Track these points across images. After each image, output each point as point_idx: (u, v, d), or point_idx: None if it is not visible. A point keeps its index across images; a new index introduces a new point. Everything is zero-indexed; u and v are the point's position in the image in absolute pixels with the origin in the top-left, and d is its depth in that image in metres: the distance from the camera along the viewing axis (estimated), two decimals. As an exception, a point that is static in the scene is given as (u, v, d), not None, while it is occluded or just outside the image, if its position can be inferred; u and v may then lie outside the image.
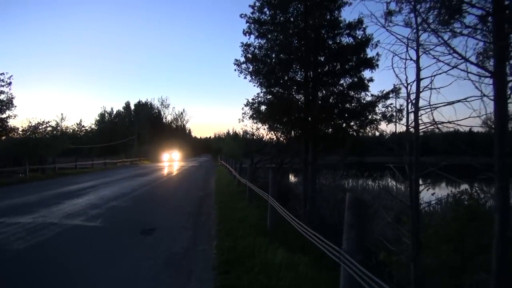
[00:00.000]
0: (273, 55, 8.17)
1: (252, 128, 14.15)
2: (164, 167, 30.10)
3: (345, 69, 7.85)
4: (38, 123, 22.32)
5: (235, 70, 8.37)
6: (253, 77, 8.10)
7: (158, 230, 6.32)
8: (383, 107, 7.32)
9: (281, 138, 13.10)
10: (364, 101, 7.82)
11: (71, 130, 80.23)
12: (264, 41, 8.19)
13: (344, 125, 7.71)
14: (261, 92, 8.32)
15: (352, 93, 7.73)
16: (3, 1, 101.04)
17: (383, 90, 7.60)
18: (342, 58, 7.67)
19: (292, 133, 8.71)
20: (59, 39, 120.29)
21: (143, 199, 10.39)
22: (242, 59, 8.11)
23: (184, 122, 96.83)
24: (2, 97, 17.08)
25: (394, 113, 7.54)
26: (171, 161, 47.97)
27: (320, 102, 7.69)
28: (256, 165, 13.25)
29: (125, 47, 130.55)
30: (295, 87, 8.35)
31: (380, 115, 7.76)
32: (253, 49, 8.00)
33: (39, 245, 5.21)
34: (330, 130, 7.98)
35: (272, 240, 5.65)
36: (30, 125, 22.01)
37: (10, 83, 16.74)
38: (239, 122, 14.42)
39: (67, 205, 8.61)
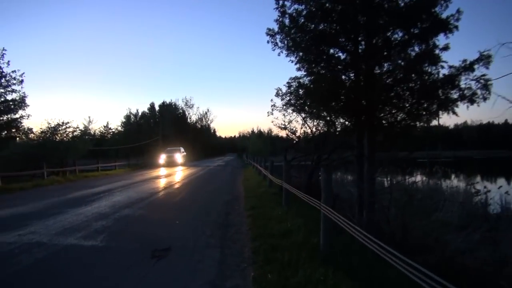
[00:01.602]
0: (314, 24, 6.39)
1: (284, 121, 12.42)
2: (186, 168, 28.85)
3: (412, 35, 5.97)
4: (58, 124, 21.46)
5: (268, 42, 6.65)
6: (292, 50, 6.37)
7: (174, 251, 4.74)
8: (472, 80, 5.41)
9: (323, 129, 11.31)
10: (437, 76, 5.91)
11: (98, 133, 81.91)
12: (303, 6, 6.44)
13: (415, 108, 5.81)
14: (302, 70, 6.57)
15: (422, 66, 5.84)
16: (29, 4, 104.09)
17: (465, 60, 5.70)
18: (406, 20, 5.83)
19: (340, 121, 6.92)
20: (85, 42, 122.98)
21: (162, 204, 8.90)
22: (277, 28, 6.41)
23: (209, 122, 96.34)
24: (14, 96, 16.20)
25: (479, 91, 5.63)
26: (172, 164, 30.48)
27: (383, 78, 5.85)
28: (290, 163, 11.53)
29: (149, 49, 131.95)
30: (343, 64, 6.55)
31: (458, 93, 5.85)
32: (289, 14, 6.28)
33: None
34: (395, 115, 6.12)
35: (328, 266, 3.96)
36: (49, 126, 21.20)
37: (22, 81, 15.83)
38: (268, 115, 12.63)
39: (69, 215, 7.18)
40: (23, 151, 19.46)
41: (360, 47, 6.59)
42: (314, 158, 11.78)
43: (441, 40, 6.19)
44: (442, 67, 5.96)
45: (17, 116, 16.18)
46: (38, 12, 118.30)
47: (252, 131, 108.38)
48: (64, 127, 21.79)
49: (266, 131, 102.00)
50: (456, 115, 6.03)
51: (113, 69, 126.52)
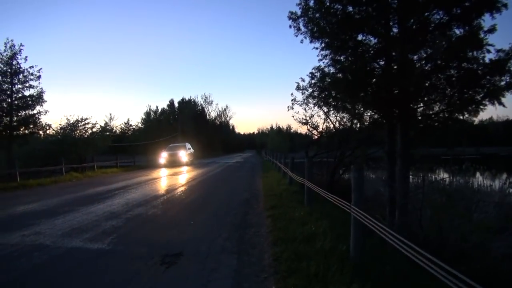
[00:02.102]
0: (341, 5, 5.77)
1: (305, 116, 11.82)
2: (206, 164, 28.55)
3: (453, 16, 5.27)
4: (77, 120, 21.51)
5: (290, 26, 6.08)
6: (316, 36, 5.77)
7: (186, 257, 4.27)
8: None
9: (346, 124, 10.68)
10: (483, 62, 5.20)
11: (119, 129, 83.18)
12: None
13: (457, 98, 5.11)
14: (327, 58, 5.97)
15: (466, 51, 5.14)
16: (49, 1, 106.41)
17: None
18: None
19: (369, 114, 6.28)
20: (107, 40, 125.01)
21: (177, 203, 8.48)
22: (300, 11, 5.82)
23: (228, 118, 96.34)
24: (32, 91, 16.15)
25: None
26: (175, 164, 24.97)
27: (421, 65, 5.18)
28: (312, 160, 10.94)
29: (169, 46, 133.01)
30: (373, 50, 5.92)
31: (506, 81, 5.13)
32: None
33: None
34: (433, 106, 5.45)
35: (361, 280, 3.40)
36: (68, 122, 21.27)
37: (39, 77, 15.80)
38: (288, 110, 12.08)
39: (79, 214, 6.85)
40: (43, 147, 19.59)
41: (391, 33, 5.95)
42: (337, 155, 11.16)
43: (486, 21, 5.48)
44: (488, 51, 5.25)
45: (34, 112, 16.15)
46: (58, 9, 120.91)
47: (271, 128, 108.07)
48: (83, 123, 21.85)
49: (285, 128, 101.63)
50: (503, 105, 5.31)
51: (133, 67, 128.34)
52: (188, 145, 29.80)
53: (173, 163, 24.87)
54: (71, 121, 21.41)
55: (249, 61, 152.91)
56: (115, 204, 7.99)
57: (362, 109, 6.27)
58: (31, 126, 16.04)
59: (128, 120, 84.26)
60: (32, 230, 5.50)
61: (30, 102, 15.73)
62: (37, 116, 16.19)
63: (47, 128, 17.15)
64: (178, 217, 6.75)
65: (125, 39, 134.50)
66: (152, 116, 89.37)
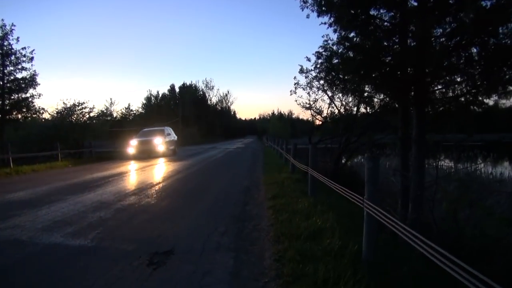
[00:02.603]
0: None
1: (309, 100, 11.23)
2: (207, 149, 28.06)
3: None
4: (74, 104, 20.92)
5: (299, -1, 5.46)
6: (324, 10, 5.16)
7: (177, 255, 3.79)
8: None
9: (352, 109, 10.12)
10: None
11: (120, 114, 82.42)
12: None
13: (484, 78, 4.52)
14: (336, 34, 5.37)
15: (496, 23, 4.54)
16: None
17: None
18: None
19: (380, 97, 5.71)
20: (105, 25, 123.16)
21: (172, 191, 8.00)
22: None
23: (229, 104, 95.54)
24: (24, 74, 15.43)
25: None
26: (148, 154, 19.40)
27: (443, 40, 4.58)
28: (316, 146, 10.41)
29: (169, 30, 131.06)
30: (388, 25, 5.30)
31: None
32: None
33: None
34: (453, 88, 4.87)
35: (376, 283, 2.93)
36: (65, 106, 20.69)
37: (32, 58, 15.10)
38: (291, 94, 11.50)
39: (66, 204, 6.37)
40: (39, 132, 19.09)
41: (409, 4, 5.33)
42: (342, 141, 10.62)
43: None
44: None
45: (27, 95, 15.49)
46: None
47: (273, 113, 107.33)
48: (80, 107, 21.28)
49: (286, 113, 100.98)
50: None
51: (134, 51, 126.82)
52: (169, 130, 23.21)
53: (146, 153, 19.35)
54: (68, 105, 20.84)
55: (251, 46, 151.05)
56: (106, 193, 7.52)
57: (373, 91, 5.70)
58: (24, 110, 15.45)
59: (129, 105, 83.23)
60: (11, 223, 5.02)
61: (23, 85, 15.08)
62: (30, 99, 15.58)
63: (41, 112, 16.55)
64: (173, 207, 6.28)
65: (126, 23, 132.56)
66: (153, 101, 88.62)
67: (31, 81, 15.28)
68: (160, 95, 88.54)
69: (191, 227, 4.96)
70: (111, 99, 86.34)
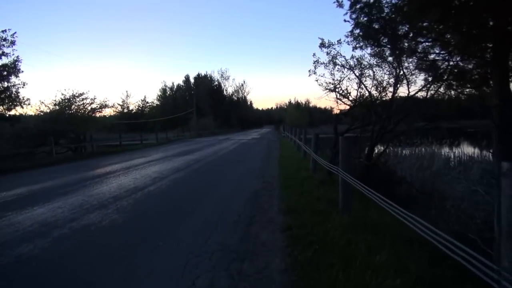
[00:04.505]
0: None
1: (334, 81, 9.08)
2: (221, 141, 26.15)
3: None
4: (73, 95, 19.37)
5: None
6: None
7: None
8: None
9: (387, 89, 7.95)
10: None
11: (135, 107, 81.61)
12: None
13: None
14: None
15: None
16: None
17: None
18: None
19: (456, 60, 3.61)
20: (118, 17, 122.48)
21: (155, 202, 6.12)
22: None
23: (245, 94, 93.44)
24: (5, 60, 13.64)
25: None
26: None
27: None
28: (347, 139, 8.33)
29: (183, 21, 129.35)
30: None
31: None
32: None
33: None
34: None
35: None
36: (64, 98, 19.16)
37: (13, 42, 13.32)
38: (310, 75, 9.41)
39: (21, 218, 4.64)
40: (34, 126, 17.64)
41: None
42: (376, 129, 8.48)
43: None
44: None
45: (10, 84, 13.77)
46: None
47: (289, 102, 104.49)
48: (80, 98, 19.73)
49: (303, 102, 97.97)
50: None
51: (148, 42, 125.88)
52: None
53: None
54: (67, 96, 19.31)
55: (267, 35, 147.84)
56: (67, 205, 5.71)
57: (452, 46, 3.56)
58: (6, 101, 13.80)
59: (145, 97, 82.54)
60: None
61: (4, 73, 13.36)
62: (12, 88, 13.86)
63: (27, 103, 14.87)
64: (158, 219, 4.40)
65: (140, 15, 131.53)
66: (168, 93, 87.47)
67: (13, 68, 13.55)
68: (176, 87, 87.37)
69: (167, 265, 3.06)
70: (127, 91, 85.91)
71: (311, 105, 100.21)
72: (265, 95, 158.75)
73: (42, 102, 18.54)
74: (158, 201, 6.01)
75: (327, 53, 9.35)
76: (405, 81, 7.85)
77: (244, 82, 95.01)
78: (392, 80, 8.64)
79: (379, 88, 8.80)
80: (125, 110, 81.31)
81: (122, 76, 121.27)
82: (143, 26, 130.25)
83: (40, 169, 11.90)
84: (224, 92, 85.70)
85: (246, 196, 6.30)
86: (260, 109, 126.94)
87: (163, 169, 10.18)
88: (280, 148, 18.30)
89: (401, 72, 7.73)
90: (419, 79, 8.34)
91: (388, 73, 8.57)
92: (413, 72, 7.57)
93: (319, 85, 9.30)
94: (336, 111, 11.20)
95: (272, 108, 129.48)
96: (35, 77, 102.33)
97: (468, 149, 16.85)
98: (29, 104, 14.90)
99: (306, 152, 11.02)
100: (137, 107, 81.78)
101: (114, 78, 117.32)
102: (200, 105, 65.37)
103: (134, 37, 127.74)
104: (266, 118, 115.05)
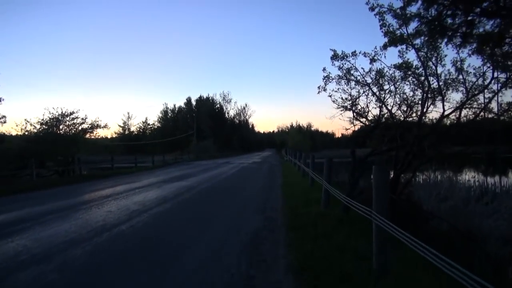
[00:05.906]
0: None
1: (350, 96, 7.65)
2: (220, 164, 24.59)
3: None
4: (62, 114, 18.11)
5: None
6: None
7: None
8: None
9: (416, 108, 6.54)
10: None
11: (136, 128, 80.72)
12: None
13: None
14: None
15: None
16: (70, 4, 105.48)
17: None
18: None
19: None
20: (119, 40, 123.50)
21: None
22: None
23: (247, 116, 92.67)
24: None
25: None
26: None
27: None
28: (364, 163, 6.82)
29: (186, 44, 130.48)
30: None
31: None
32: None
33: None
34: None
35: None
36: (52, 116, 17.89)
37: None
38: (319, 92, 8.01)
39: None
40: (17, 147, 16.29)
41: None
42: (401, 155, 7.03)
43: None
44: None
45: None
46: (70, 8, 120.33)
47: (291, 126, 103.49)
48: (70, 118, 18.47)
49: (305, 126, 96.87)
50: None
51: (151, 65, 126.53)
52: None
53: None
54: (55, 115, 18.05)
55: (269, 59, 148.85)
56: (20, 246, 4.20)
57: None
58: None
59: (146, 119, 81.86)
60: None
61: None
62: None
63: (2, 121, 13.56)
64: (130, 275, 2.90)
65: (142, 37, 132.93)
66: (169, 115, 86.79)
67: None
68: (177, 109, 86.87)
69: None
70: (128, 113, 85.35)
71: (313, 128, 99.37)
72: (266, 118, 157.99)
73: (28, 121, 17.24)
74: (125, 249, 4.47)
75: (339, 67, 8.03)
76: (439, 97, 6.47)
77: (246, 105, 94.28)
78: (418, 96, 7.27)
79: (404, 106, 7.40)
80: (126, 132, 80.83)
81: (124, 98, 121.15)
82: (147, 48, 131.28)
83: (15, 195, 10.42)
84: (226, 115, 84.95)
85: (243, 241, 4.79)
86: (262, 132, 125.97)
87: (148, 199, 8.65)
88: (283, 173, 16.78)
89: (436, 85, 6.37)
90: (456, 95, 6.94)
91: (416, 87, 7.19)
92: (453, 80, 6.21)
93: (333, 101, 7.90)
94: (348, 132, 9.69)
95: (273, 131, 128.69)
96: (34, 98, 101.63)
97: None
98: (4, 122, 13.59)
99: (314, 180, 9.55)
100: (138, 128, 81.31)
101: (116, 100, 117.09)
102: (201, 128, 64.25)
103: (137, 59, 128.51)
104: (268, 141, 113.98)
